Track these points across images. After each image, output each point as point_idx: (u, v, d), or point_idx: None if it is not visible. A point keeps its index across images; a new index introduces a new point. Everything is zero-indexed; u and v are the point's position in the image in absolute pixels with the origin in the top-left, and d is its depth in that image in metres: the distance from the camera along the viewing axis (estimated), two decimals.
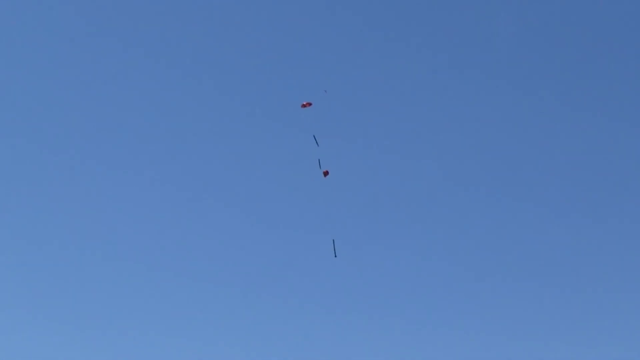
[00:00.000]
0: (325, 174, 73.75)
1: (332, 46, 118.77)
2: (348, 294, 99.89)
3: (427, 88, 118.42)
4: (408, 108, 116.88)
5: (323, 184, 73.88)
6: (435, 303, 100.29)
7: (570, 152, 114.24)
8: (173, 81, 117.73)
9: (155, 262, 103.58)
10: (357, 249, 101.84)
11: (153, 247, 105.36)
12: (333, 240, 75.42)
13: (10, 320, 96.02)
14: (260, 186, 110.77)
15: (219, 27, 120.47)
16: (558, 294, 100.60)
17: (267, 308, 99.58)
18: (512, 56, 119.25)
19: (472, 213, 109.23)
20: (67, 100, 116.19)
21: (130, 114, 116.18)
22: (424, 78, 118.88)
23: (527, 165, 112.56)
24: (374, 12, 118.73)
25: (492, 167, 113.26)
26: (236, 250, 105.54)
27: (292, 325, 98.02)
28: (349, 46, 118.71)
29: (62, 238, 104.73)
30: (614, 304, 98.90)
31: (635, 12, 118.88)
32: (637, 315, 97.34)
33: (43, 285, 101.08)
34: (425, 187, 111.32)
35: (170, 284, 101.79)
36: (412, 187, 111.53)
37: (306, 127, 74.98)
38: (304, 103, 75.70)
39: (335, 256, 75.33)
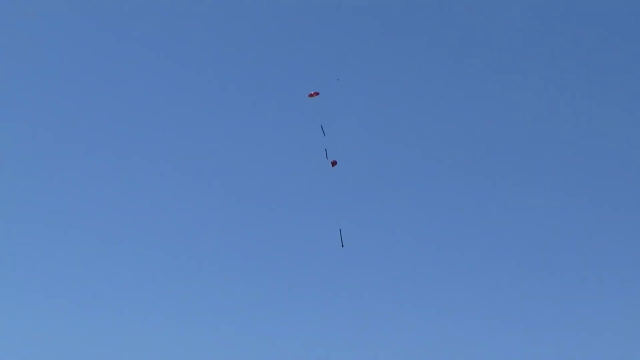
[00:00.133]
0: (334, 164, 73.72)
1: (339, 36, 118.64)
2: (355, 283, 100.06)
3: (433, 77, 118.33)
4: (415, 98, 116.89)
5: (330, 174, 73.92)
6: (440, 292, 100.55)
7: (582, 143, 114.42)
8: (179, 71, 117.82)
9: (164, 251, 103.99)
10: (364, 238, 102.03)
11: (161, 236, 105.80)
12: (340, 230, 75.53)
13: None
14: (267, 176, 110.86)
15: (227, 14, 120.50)
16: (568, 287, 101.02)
17: (273, 299, 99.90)
18: (520, 48, 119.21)
19: (479, 203, 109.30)
20: (77, 92, 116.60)
21: (137, 104, 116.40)
22: (431, 68, 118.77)
23: (531, 159, 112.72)
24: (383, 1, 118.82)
25: (500, 158, 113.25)
26: (243, 242, 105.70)
27: (299, 316, 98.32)
28: (356, 36, 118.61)
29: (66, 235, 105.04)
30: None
31: None
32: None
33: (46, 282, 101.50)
34: (432, 177, 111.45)
35: (175, 274, 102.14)
36: (420, 177, 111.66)
37: (314, 117, 75.00)
38: (312, 93, 75.64)
39: (343, 246, 75.43)
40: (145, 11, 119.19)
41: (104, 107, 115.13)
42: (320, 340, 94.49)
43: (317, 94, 75.45)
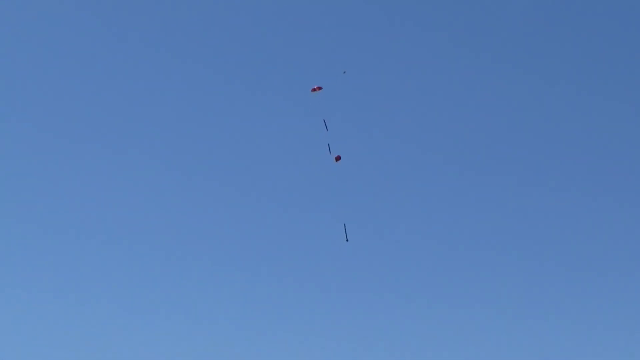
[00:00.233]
0: (337, 159, 73.63)
1: (342, 30, 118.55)
2: (359, 278, 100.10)
3: (437, 72, 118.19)
4: (419, 93, 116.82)
5: (334, 169, 73.90)
6: (444, 288, 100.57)
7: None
8: (181, 66, 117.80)
9: (169, 246, 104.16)
10: (368, 234, 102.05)
11: (163, 234, 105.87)
12: (344, 225, 75.52)
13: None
14: (270, 172, 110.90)
15: (230, 9, 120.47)
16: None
17: (278, 293, 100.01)
18: (525, 43, 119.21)
19: (484, 199, 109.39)
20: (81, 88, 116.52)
21: (138, 97, 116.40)
22: (435, 62, 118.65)
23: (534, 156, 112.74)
24: None
25: (504, 154, 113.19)
26: (245, 237, 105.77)
27: (303, 311, 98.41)
28: (359, 31, 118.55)
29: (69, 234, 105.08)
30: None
31: None
32: None
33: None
34: (436, 173, 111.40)
35: (179, 271, 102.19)
36: (423, 172, 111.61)
37: (316, 111, 74.97)
38: (314, 87, 75.50)
39: (347, 240, 75.42)
40: (146, 2, 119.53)
41: (105, 101, 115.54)
42: (325, 336, 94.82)
43: (319, 88, 75.31)
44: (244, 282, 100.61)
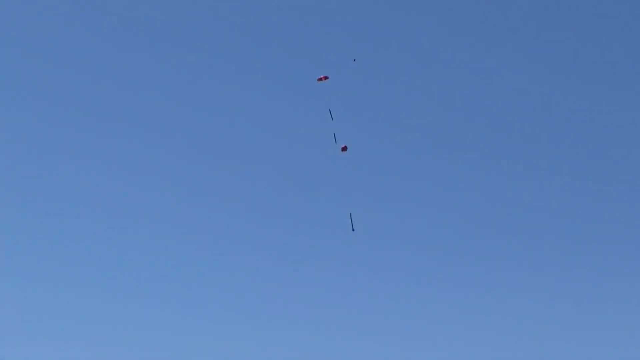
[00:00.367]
0: (344, 149, 73.61)
1: (349, 21, 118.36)
2: (366, 267, 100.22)
3: (444, 61, 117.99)
4: (426, 82, 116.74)
5: (339, 159, 73.92)
6: (452, 276, 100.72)
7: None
8: (188, 53, 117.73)
9: (175, 236, 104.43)
10: (373, 223, 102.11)
11: (174, 221, 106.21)
12: (350, 215, 75.58)
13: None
14: (277, 161, 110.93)
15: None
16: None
17: (284, 282, 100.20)
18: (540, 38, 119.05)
19: (488, 186, 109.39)
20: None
21: (142, 89, 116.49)
22: (442, 52, 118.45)
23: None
24: None
25: (512, 144, 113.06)
26: (253, 225, 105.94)
27: (310, 298, 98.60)
28: (366, 20, 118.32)
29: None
30: None
31: None
32: None
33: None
34: (442, 163, 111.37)
35: (184, 258, 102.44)
36: (429, 161, 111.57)
37: (323, 101, 74.94)
38: (321, 77, 75.48)
39: (353, 230, 75.47)
40: None
41: (110, 89, 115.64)
42: (331, 326, 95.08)
43: (326, 78, 75.28)
44: (248, 272, 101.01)
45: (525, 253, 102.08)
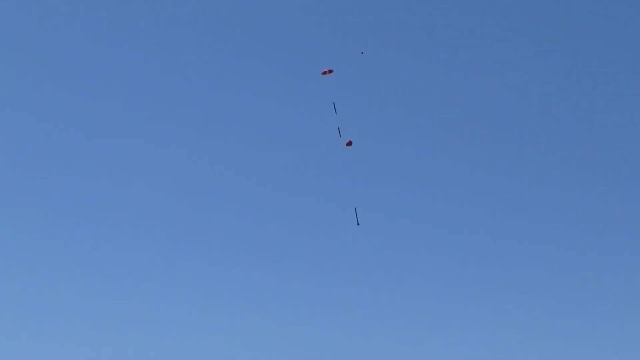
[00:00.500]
0: (349, 144, 73.43)
1: (354, 14, 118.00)
2: (370, 261, 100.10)
3: (450, 57, 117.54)
4: (430, 78, 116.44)
5: (344, 153, 73.72)
6: (455, 273, 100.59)
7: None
8: (191, 48, 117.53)
9: (176, 231, 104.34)
10: (379, 218, 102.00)
11: (175, 216, 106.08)
12: (355, 209, 75.50)
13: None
14: (280, 155, 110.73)
15: None
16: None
17: (289, 277, 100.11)
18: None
19: (492, 184, 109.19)
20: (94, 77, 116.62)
21: (152, 87, 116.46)
22: (447, 47, 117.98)
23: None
24: None
25: (521, 142, 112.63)
26: (257, 220, 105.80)
27: (314, 294, 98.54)
28: (370, 15, 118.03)
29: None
30: None
31: None
32: None
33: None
34: (445, 157, 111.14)
35: (186, 255, 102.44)
36: (435, 155, 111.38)
37: (327, 95, 74.72)
38: (325, 70, 75.24)
39: (358, 224, 75.43)
40: None
41: (111, 87, 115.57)
42: (336, 321, 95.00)
43: (330, 71, 75.02)
44: (250, 269, 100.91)
45: (533, 250, 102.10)
